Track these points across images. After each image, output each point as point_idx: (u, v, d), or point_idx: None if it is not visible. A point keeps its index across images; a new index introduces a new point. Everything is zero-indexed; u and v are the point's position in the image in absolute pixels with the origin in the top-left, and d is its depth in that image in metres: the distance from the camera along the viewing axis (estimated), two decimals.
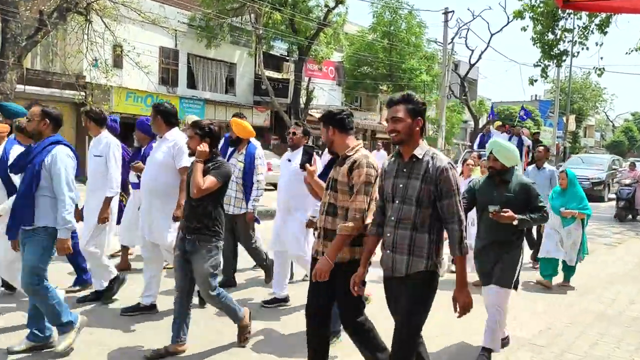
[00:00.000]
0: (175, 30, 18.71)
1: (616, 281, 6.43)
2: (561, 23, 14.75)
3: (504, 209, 3.65)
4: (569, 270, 6.10)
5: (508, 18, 29.15)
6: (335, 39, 21.95)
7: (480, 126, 25.08)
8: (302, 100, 22.11)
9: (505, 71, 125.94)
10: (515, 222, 3.65)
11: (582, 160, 18.66)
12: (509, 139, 12.98)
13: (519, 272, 3.88)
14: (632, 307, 5.32)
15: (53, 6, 13.05)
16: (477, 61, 28.30)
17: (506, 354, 3.94)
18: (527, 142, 12.85)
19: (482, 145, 13.96)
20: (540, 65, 15.52)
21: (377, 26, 26.13)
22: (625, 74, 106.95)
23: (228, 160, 5.02)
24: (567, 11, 13.50)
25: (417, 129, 2.62)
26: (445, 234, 2.66)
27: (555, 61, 15.67)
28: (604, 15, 13.50)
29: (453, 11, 21.87)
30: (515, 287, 3.89)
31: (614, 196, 17.44)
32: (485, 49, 33.99)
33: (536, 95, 46.79)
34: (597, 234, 10.36)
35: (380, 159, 10.24)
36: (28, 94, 13.92)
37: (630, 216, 12.80)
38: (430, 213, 2.58)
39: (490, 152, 3.86)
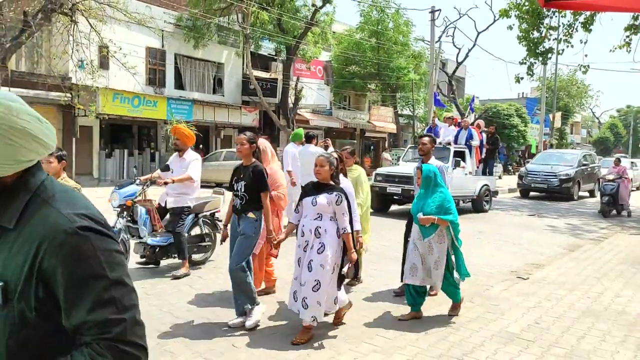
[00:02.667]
0: (162, 31, 18.60)
1: (602, 276, 6.54)
2: (546, 21, 14.92)
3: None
4: (451, 292, 4.69)
5: (494, 16, 29.67)
6: (323, 38, 21.97)
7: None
8: (291, 99, 22.10)
9: (491, 69, 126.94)
10: None
11: (551, 156, 18.14)
12: (457, 133, 12.39)
13: None
14: (618, 301, 5.43)
15: (37, 7, 12.89)
16: (464, 59, 28.58)
17: (495, 349, 4.01)
18: (476, 136, 12.25)
19: None
20: (526, 63, 15.70)
21: (365, 25, 26.21)
22: (609, 71, 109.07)
23: None
24: (552, 9, 13.66)
25: None
26: None
27: (540, 59, 15.83)
28: (588, 13, 13.68)
29: (440, 10, 22.10)
30: None
31: (586, 194, 17.68)
32: (472, 47, 34.39)
33: (523, 93, 47.32)
34: (584, 230, 10.58)
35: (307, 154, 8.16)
36: None
37: (614, 211, 13.01)
38: None
39: None
